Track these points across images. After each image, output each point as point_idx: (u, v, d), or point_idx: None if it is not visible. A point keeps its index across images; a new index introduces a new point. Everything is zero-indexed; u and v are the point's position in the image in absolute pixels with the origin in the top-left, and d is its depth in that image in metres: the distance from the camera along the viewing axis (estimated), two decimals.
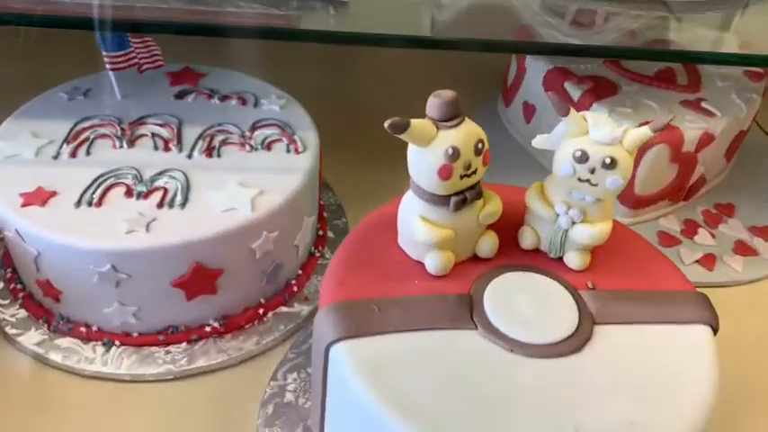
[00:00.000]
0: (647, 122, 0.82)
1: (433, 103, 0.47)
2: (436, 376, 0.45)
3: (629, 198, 0.83)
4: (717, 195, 0.92)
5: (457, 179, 0.48)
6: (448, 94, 0.47)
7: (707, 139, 0.82)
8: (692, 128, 0.81)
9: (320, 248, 0.76)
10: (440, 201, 0.49)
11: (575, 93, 0.85)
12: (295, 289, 0.71)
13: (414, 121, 0.46)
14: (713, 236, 0.85)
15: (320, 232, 0.78)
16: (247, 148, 0.70)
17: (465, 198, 0.49)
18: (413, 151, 0.48)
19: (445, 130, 0.47)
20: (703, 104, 0.84)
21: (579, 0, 0.76)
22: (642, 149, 0.80)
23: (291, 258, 0.70)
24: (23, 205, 0.61)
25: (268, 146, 0.70)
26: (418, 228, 0.49)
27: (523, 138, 0.95)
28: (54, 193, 0.62)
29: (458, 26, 0.74)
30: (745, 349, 0.73)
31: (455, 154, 0.47)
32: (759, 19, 0.82)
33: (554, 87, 0.88)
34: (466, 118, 0.48)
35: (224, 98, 0.76)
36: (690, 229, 0.86)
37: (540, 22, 0.75)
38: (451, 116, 0.47)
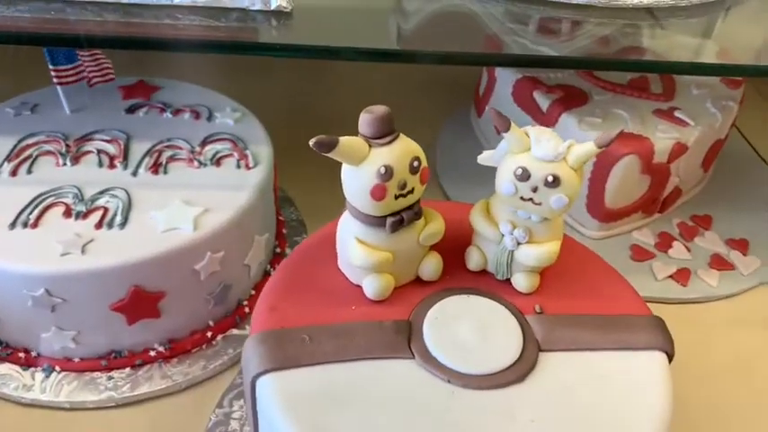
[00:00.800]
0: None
1: (365, 119, 0.45)
2: (366, 410, 0.42)
3: (600, 211, 0.81)
4: (694, 207, 0.89)
5: (391, 199, 0.45)
6: (380, 109, 0.45)
7: (680, 150, 0.79)
8: (663, 138, 0.78)
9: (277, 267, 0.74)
10: (375, 222, 0.46)
11: (543, 102, 0.83)
12: (247, 310, 0.69)
13: (343, 139, 0.44)
14: (688, 249, 0.82)
15: (278, 250, 0.75)
16: (195, 164, 0.67)
17: (402, 219, 0.46)
18: (345, 170, 0.46)
19: (378, 147, 0.44)
20: (676, 114, 0.81)
21: (560, 7, 0.72)
22: (611, 161, 0.78)
23: (242, 279, 0.68)
24: None
25: (218, 161, 0.68)
26: (354, 251, 0.47)
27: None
28: None
29: (422, 36, 0.72)
30: (718, 368, 0.70)
31: (388, 173, 0.44)
32: (739, 24, 0.80)
33: (523, 97, 0.86)
34: (401, 135, 0.45)
35: (177, 112, 0.74)
36: (664, 242, 0.83)
37: (508, 30, 0.73)
38: (385, 133, 0.45)
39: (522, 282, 0.50)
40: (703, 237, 0.85)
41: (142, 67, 0.83)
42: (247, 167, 0.67)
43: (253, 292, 0.70)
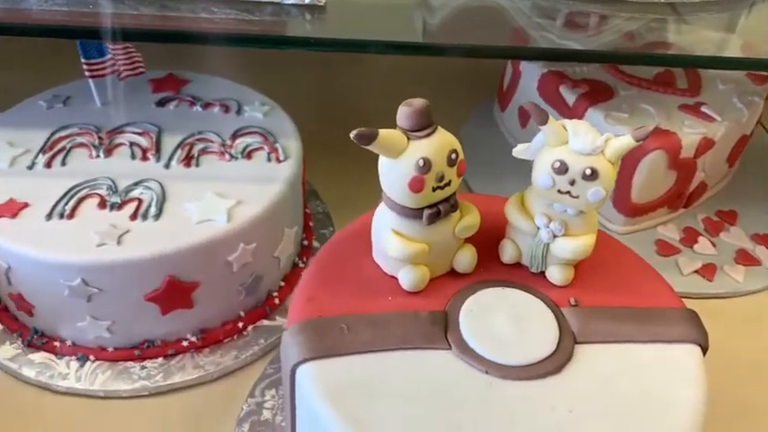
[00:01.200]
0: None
1: (404, 112, 0.45)
2: (405, 399, 0.43)
3: (626, 206, 0.81)
4: (719, 202, 0.89)
5: (429, 191, 0.45)
6: (419, 102, 0.45)
7: (706, 145, 0.79)
8: (690, 133, 0.78)
9: (305, 259, 0.74)
10: (412, 214, 0.47)
11: (569, 97, 0.83)
12: (276, 302, 0.69)
13: (382, 132, 0.44)
14: (714, 244, 0.82)
15: (305, 242, 0.76)
16: (227, 157, 0.68)
17: (439, 211, 0.47)
18: (383, 162, 0.46)
19: (416, 140, 0.45)
20: (703, 109, 0.81)
21: (587, 2, 0.72)
22: (638, 156, 0.78)
23: (272, 270, 0.69)
24: None
25: (248, 155, 0.69)
26: (390, 242, 0.47)
27: (519, 143, 0.92)
28: (26, 205, 0.61)
29: (448, 29, 0.72)
30: (744, 363, 0.70)
31: (426, 165, 0.44)
32: (764, 19, 0.79)
33: (548, 91, 0.86)
34: (439, 127, 0.46)
35: (206, 105, 0.74)
36: (689, 237, 0.83)
37: (534, 24, 0.73)
38: (423, 126, 0.45)
39: (556, 274, 0.50)
40: (728, 232, 0.84)
41: (169, 61, 0.83)
42: (278, 161, 0.68)
43: (282, 284, 0.71)
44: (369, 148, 0.44)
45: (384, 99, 1.03)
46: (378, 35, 0.62)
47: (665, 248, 0.81)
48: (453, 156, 0.46)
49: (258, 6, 0.57)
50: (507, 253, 0.51)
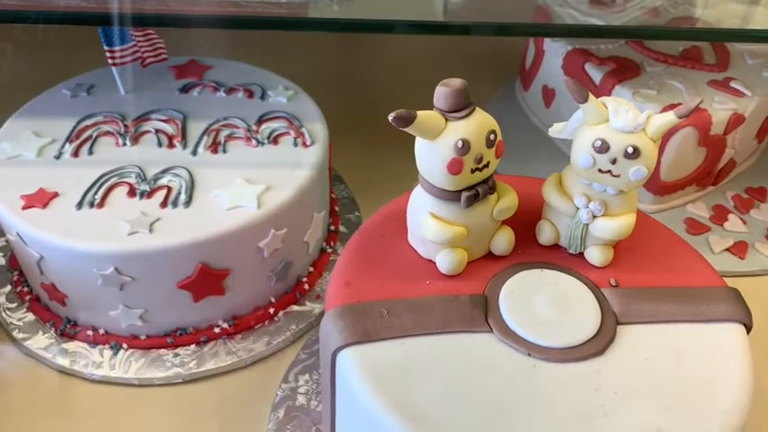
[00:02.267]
0: (672, 105, 0.79)
1: (442, 93, 0.44)
2: (448, 382, 0.43)
3: (655, 184, 0.80)
4: (748, 179, 0.87)
5: (468, 173, 0.45)
6: (457, 82, 0.44)
7: (736, 121, 0.78)
8: (720, 109, 0.77)
9: (332, 244, 0.74)
10: (450, 196, 0.46)
11: (596, 75, 0.81)
12: (306, 287, 0.69)
13: (420, 113, 0.43)
14: (744, 222, 0.81)
15: (332, 227, 0.76)
16: (253, 142, 0.67)
17: (477, 193, 0.46)
18: (420, 145, 0.45)
19: (454, 121, 0.44)
20: (732, 84, 0.80)
21: None
22: (668, 133, 0.76)
23: (301, 255, 0.68)
24: (24, 207, 0.59)
25: (275, 140, 0.68)
26: (428, 225, 0.47)
27: (543, 123, 0.92)
28: (55, 195, 0.61)
29: (470, 9, 0.71)
30: None
31: (465, 147, 0.44)
32: None
33: (574, 69, 0.85)
34: (477, 108, 0.45)
35: (230, 91, 0.74)
36: (719, 215, 0.82)
37: (560, 1, 0.71)
38: (461, 106, 0.44)
39: (596, 255, 0.49)
40: (758, 209, 0.83)
41: (187, 46, 0.83)
42: (305, 145, 0.67)
43: (311, 269, 0.70)
44: (406, 130, 0.44)
45: (404, 80, 1.03)
46: (405, 15, 0.61)
47: (694, 227, 0.80)
48: (492, 136, 0.45)
49: None
50: (545, 234, 0.51)
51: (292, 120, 0.70)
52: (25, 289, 0.67)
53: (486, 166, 0.45)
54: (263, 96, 0.73)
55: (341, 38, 1.00)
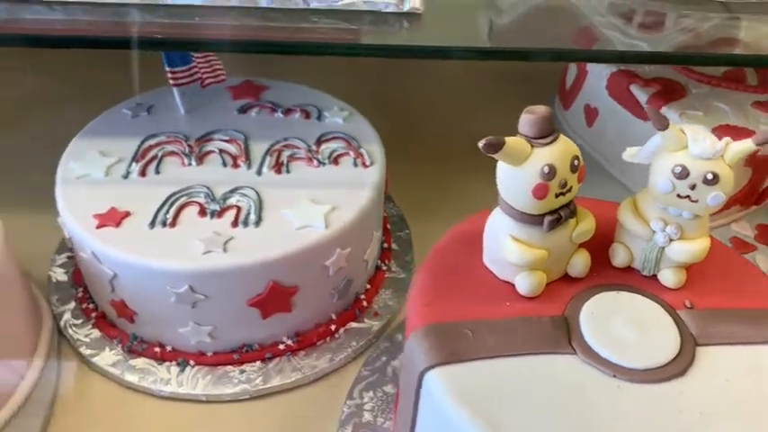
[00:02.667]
0: (720, 126, 0.80)
1: (528, 120, 0.46)
2: (537, 405, 0.44)
3: None
4: None
5: (552, 198, 0.46)
6: (542, 110, 0.46)
7: None
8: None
9: (386, 262, 0.75)
10: (532, 220, 0.47)
11: (642, 96, 0.83)
12: (365, 304, 0.70)
13: (508, 140, 0.45)
14: None
15: (385, 245, 0.77)
16: (315, 162, 0.69)
17: (560, 217, 0.47)
18: (504, 170, 0.47)
19: (540, 147, 0.45)
20: None
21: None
22: None
23: (361, 273, 0.69)
24: (98, 227, 0.61)
25: (335, 160, 0.69)
26: (510, 248, 0.48)
27: (586, 142, 0.93)
28: (127, 214, 0.62)
29: (515, 32, 0.72)
30: None
31: (551, 172, 0.45)
32: None
33: (619, 90, 0.86)
34: (561, 134, 0.46)
35: (287, 111, 0.75)
36: (763, 233, 0.83)
37: (605, 24, 0.73)
38: (546, 133, 0.46)
39: (670, 277, 0.51)
40: None
41: (237, 67, 0.84)
42: (364, 166, 0.69)
43: (368, 286, 0.72)
44: (495, 156, 0.45)
45: (444, 99, 1.04)
46: (471, 42, 0.63)
47: (740, 246, 0.81)
48: (575, 162, 0.46)
49: (357, 15, 0.57)
50: (619, 257, 0.52)
51: (350, 140, 0.72)
52: (90, 305, 0.69)
53: (569, 190, 0.47)
54: (319, 117, 0.75)
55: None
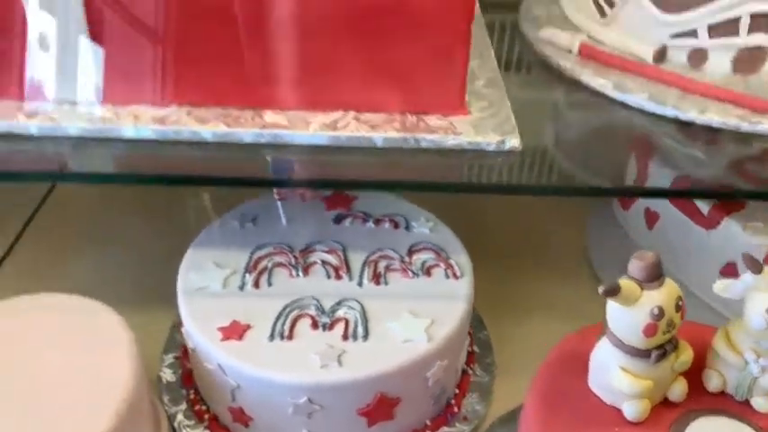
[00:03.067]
0: None
1: (638, 266, 0.51)
2: None
3: None
4: None
5: (660, 335, 0.51)
6: (651, 256, 0.52)
7: None
8: None
9: (471, 365, 0.80)
10: (640, 354, 0.53)
11: (704, 207, 0.88)
12: (455, 409, 0.75)
13: (623, 284, 0.50)
14: None
15: (468, 348, 0.82)
16: (410, 273, 0.74)
17: (665, 351, 0.53)
18: (615, 308, 0.52)
19: (649, 290, 0.51)
20: None
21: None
22: None
23: (452, 380, 0.74)
24: (223, 339, 0.66)
25: (427, 271, 0.75)
26: (621, 379, 0.53)
27: (646, 244, 0.98)
28: (248, 327, 0.67)
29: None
30: None
31: (660, 313, 0.51)
32: None
33: (680, 199, 0.92)
34: (666, 278, 0.52)
35: (377, 221, 0.81)
36: None
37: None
38: (655, 277, 0.51)
39: (764, 404, 0.55)
40: None
41: None
42: (455, 277, 0.74)
43: (457, 391, 0.76)
44: (610, 299, 0.51)
45: (503, 209, 1.09)
46: (569, 181, 0.68)
47: None
48: (680, 302, 0.52)
49: (461, 153, 0.64)
50: (713, 382, 0.57)
51: (439, 251, 0.77)
52: (203, 407, 0.73)
53: (674, 327, 0.52)
54: (407, 227, 0.81)
55: None
